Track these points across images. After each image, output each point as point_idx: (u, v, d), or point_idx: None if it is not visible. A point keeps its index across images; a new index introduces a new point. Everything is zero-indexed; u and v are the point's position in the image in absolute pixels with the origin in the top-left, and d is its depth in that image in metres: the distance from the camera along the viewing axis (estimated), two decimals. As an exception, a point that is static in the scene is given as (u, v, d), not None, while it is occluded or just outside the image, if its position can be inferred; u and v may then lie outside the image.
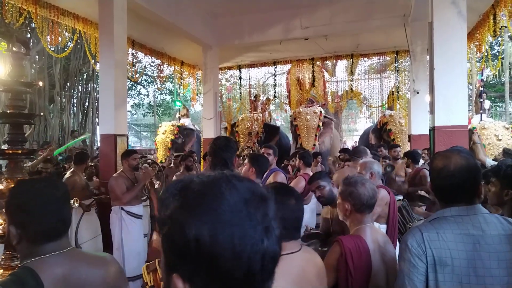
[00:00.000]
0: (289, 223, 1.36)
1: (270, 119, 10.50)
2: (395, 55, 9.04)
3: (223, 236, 0.50)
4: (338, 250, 1.67)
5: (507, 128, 6.62)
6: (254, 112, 9.70)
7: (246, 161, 2.96)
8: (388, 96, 9.43)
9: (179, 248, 0.53)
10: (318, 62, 9.74)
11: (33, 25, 9.25)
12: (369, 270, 1.66)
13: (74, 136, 11.82)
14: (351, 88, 9.55)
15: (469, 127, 4.87)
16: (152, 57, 9.17)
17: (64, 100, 14.14)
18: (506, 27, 5.76)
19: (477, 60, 7.90)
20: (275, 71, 10.43)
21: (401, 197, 4.90)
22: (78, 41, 7.01)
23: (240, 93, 10.29)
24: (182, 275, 0.53)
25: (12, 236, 1.19)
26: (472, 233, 1.25)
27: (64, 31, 6.32)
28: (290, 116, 9.54)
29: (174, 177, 4.66)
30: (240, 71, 10.30)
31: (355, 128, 24.24)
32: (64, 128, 13.66)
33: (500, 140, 6.27)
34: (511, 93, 15.56)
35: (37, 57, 12.56)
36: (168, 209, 0.56)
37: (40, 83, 11.42)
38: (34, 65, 12.45)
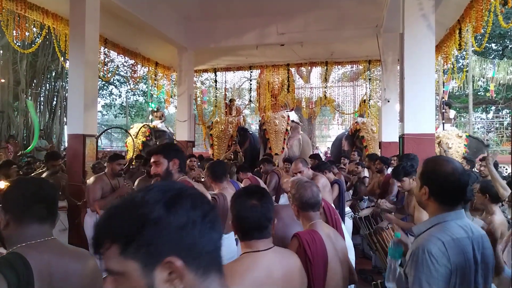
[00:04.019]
0: (251, 222, 1.44)
1: (245, 123, 10.51)
2: (368, 64, 9.30)
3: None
4: (296, 242, 1.83)
5: (460, 136, 7.01)
6: (229, 115, 9.68)
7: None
8: (360, 103, 9.69)
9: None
10: (293, 68, 9.86)
11: (-2, 18, 8.81)
12: (326, 256, 1.82)
13: (40, 135, 11.31)
14: (325, 95, 9.73)
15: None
16: (126, 57, 8.95)
17: (30, 97, 13.50)
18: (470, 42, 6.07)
19: (444, 72, 8.27)
20: (250, 76, 10.46)
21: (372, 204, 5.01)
22: (47, 37, 6.74)
23: (215, 97, 10.24)
24: (180, 253, 0.62)
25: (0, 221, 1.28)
26: (470, 236, 1.38)
27: (32, 26, 6.04)
28: (259, 120, 9.61)
29: (137, 182, 4.26)
30: (215, 74, 10.25)
31: (328, 134, 24.65)
32: (29, 127, 13.04)
33: (450, 148, 6.65)
34: (475, 104, 16.41)
35: (1, 52, 11.96)
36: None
37: (2, 80, 10.89)
38: (-3, 60, 11.85)
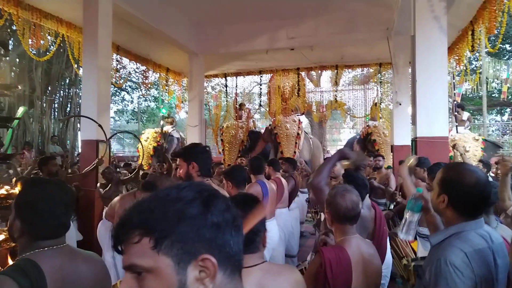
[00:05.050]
0: None
1: (255, 127, 10.51)
2: (379, 67, 9.22)
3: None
4: (318, 261, 1.68)
5: (477, 140, 6.89)
6: (239, 120, 9.70)
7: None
8: (371, 107, 9.61)
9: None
10: (303, 72, 9.85)
11: (14, 27, 9.05)
12: (349, 281, 1.65)
13: (54, 141, 11.52)
14: (336, 99, 9.67)
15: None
16: (137, 63, 9.08)
17: (45, 104, 13.80)
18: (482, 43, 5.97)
19: (456, 74, 8.15)
20: (260, 80, 10.49)
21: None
22: (61, 45, 6.88)
23: (226, 101, 10.28)
24: (214, 251, 0.62)
25: (15, 229, 1.27)
26: (490, 245, 1.32)
27: (47, 35, 6.18)
28: (269, 125, 9.61)
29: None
30: (226, 79, 10.31)
31: (339, 138, 24.51)
32: (44, 133, 13.31)
33: (468, 151, 6.55)
34: (489, 106, 16.10)
35: (17, 60, 12.26)
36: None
37: (20, 87, 11.14)
38: (14, 68, 12.14)
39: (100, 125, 4.88)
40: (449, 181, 1.40)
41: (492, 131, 17.61)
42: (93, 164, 4.51)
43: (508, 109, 19.36)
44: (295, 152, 8.54)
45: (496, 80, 14.26)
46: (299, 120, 9.01)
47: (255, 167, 3.79)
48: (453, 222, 1.38)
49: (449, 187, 1.39)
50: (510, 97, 16.64)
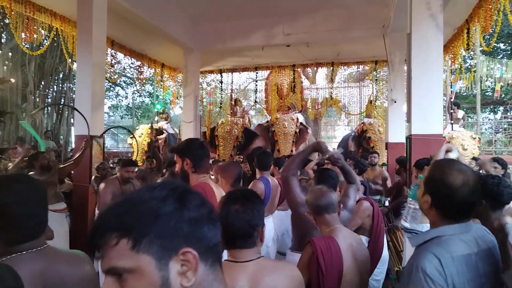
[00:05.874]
0: (234, 229, 1.31)
1: (250, 124, 10.49)
2: (374, 65, 9.25)
3: None
4: (310, 250, 1.75)
5: (474, 138, 6.94)
6: (234, 116, 9.68)
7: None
8: (366, 104, 9.65)
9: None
10: (299, 69, 9.85)
11: (6, 20, 8.92)
12: (341, 268, 1.72)
13: (47, 136, 11.41)
14: (331, 96, 9.69)
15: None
16: (132, 58, 9.01)
17: (38, 99, 13.65)
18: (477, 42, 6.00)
19: (451, 72, 8.20)
20: (256, 77, 10.46)
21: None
22: (55, 39, 6.79)
23: (221, 98, 10.25)
24: (194, 244, 0.64)
25: None
26: (474, 251, 1.23)
27: (40, 28, 6.10)
28: (267, 122, 9.60)
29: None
30: (221, 76, 10.26)
31: (333, 135, 24.57)
32: (37, 128, 13.17)
33: (466, 149, 6.59)
34: (482, 105, 16.23)
35: (10, 54, 12.10)
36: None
37: (12, 80, 11.01)
38: (6, 62, 11.98)
39: (76, 109, 4.78)
40: (433, 181, 1.30)
41: (485, 129, 17.78)
42: (82, 147, 4.47)
43: (501, 108, 19.54)
44: (292, 150, 8.56)
45: (490, 78, 14.37)
46: (297, 118, 9.01)
47: (261, 163, 3.71)
48: (436, 224, 1.29)
49: (433, 187, 1.29)
50: (503, 95, 16.80)
